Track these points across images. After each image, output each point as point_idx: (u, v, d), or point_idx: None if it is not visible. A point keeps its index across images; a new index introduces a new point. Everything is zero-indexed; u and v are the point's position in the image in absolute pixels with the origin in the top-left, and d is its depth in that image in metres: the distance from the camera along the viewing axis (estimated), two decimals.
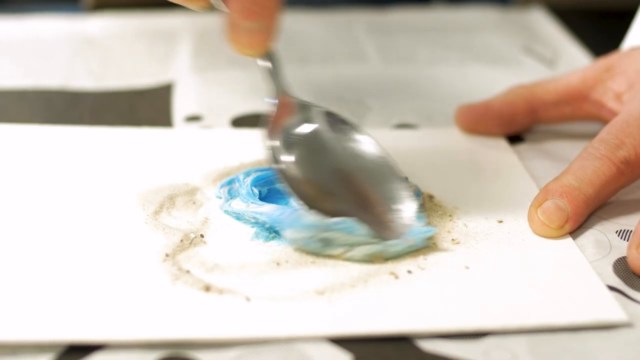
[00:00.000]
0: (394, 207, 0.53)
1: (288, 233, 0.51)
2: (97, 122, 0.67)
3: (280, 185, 0.54)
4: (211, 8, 0.53)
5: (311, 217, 0.51)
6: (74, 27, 0.86)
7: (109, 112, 0.70)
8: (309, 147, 0.54)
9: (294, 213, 0.52)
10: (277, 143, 0.53)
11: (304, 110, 0.55)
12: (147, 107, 0.71)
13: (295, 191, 0.52)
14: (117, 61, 0.80)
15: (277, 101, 0.54)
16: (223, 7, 0.51)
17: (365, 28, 0.89)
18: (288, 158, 0.53)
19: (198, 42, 0.84)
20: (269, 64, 0.54)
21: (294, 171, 0.53)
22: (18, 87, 0.73)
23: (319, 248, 0.51)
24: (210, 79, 0.76)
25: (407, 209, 0.53)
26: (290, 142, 0.54)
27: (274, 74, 0.54)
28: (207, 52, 0.82)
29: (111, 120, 0.68)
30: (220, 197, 0.57)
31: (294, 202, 0.53)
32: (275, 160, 0.53)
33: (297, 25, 0.89)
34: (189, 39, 0.85)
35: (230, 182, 0.58)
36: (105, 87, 0.74)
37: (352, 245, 0.51)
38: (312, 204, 0.51)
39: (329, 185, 0.53)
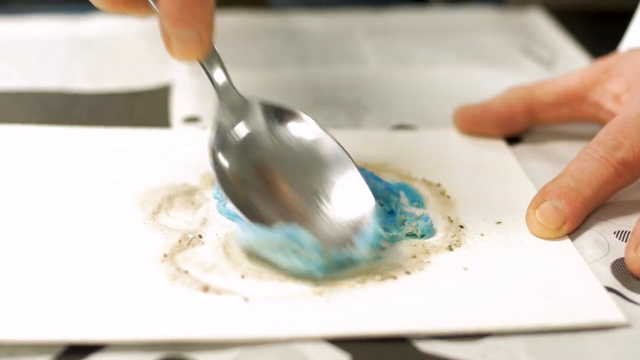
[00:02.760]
0: (344, 211, 0.52)
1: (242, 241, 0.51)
2: (95, 123, 0.67)
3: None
4: (153, 14, 0.51)
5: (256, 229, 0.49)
6: (72, 28, 0.86)
7: (107, 113, 0.70)
8: (243, 149, 0.54)
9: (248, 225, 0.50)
10: (215, 146, 0.53)
11: (243, 110, 0.54)
12: (146, 108, 0.71)
13: (232, 198, 0.51)
14: (116, 62, 0.80)
15: (219, 103, 0.54)
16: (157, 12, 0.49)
17: (363, 29, 0.89)
18: (223, 162, 0.52)
19: None
20: (208, 67, 0.53)
21: (230, 176, 0.52)
22: (16, 89, 0.73)
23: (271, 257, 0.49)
24: (207, 81, 0.75)
25: (361, 212, 0.52)
26: (226, 146, 0.53)
27: (215, 75, 0.53)
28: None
29: (109, 122, 0.68)
30: (218, 198, 0.57)
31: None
32: (214, 163, 0.52)
33: (295, 26, 0.89)
34: None
35: None
36: (103, 88, 0.74)
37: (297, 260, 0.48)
38: (250, 212, 0.50)
39: (270, 191, 0.53)
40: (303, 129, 0.55)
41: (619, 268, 0.52)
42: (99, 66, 0.79)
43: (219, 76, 0.54)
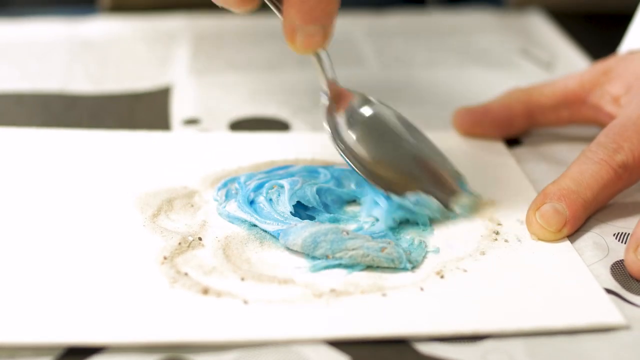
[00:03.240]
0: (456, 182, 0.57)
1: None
2: (95, 126, 0.67)
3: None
4: (255, 11, 0.54)
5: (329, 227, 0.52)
6: (72, 30, 0.86)
7: (107, 116, 0.70)
8: (371, 126, 0.58)
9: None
10: (340, 122, 0.56)
11: (360, 98, 0.58)
12: (146, 110, 0.71)
13: (360, 168, 0.55)
14: (116, 64, 0.80)
15: (329, 92, 0.57)
16: (277, 10, 0.53)
17: (363, 31, 0.89)
18: (351, 136, 0.56)
19: (196, 45, 0.84)
20: (321, 58, 0.56)
21: (359, 150, 0.56)
22: (16, 91, 0.73)
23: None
24: (208, 83, 0.76)
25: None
26: (353, 122, 0.57)
27: (326, 66, 0.56)
28: (206, 55, 0.82)
29: (109, 124, 0.68)
30: (217, 200, 0.57)
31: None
32: (339, 139, 0.56)
33: None
34: (187, 42, 0.85)
35: (226, 184, 0.58)
36: (103, 90, 0.74)
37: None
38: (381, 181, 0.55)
39: (398, 163, 0.57)
40: (386, 109, 0.59)
41: (619, 270, 0.52)
42: (99, 68, 0.79)
43: (329, 68, 0.57)
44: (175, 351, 0.44)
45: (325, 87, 0.57)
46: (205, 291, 0.48)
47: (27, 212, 0.55)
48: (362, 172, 0.55)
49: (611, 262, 0.52)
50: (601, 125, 0.62)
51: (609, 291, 0.50)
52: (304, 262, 0.51)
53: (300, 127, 0.69)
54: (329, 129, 0.56)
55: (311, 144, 0.64)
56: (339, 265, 0.51)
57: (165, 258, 0.51)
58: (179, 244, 0.52)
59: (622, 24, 0.72)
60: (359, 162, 0.56)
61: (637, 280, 0.51)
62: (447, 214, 0.56)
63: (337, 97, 0.57)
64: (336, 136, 0.56)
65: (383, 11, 0.94)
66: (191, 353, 0.44)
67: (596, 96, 0.64)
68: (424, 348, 0.45)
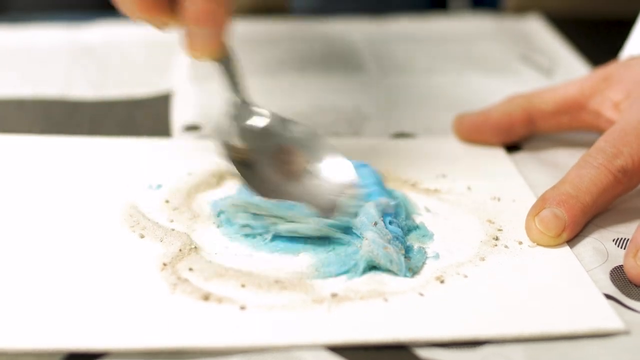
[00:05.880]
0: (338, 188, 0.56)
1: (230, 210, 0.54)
2: (95, 132, 0.68)
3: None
4: (167, 25, 0.56)
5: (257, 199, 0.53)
6: (73, 36, 0.86)
7: (108, 122, 0.70)
8: (258, 137, 0.57)
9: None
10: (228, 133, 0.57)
11: (257, 114, 0.58)
12: (146, 116, 0.71)
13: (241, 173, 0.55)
14: (116, 70, 0.80)
15: (234, 103, 0.57)
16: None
17: (363, 38, 0.89)
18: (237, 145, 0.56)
19: None
20: (224, 69, 0.57)
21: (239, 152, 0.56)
22: (17, 96, 0.73)
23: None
24: (208, 89, 0.76)
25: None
26: (240, 133, 0.57)
27: (230, 78, 0.58)
28: (206, 61, 0.82)
29: (110, 130, 0.68)
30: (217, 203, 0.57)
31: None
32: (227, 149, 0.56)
33: (295, 34, 0.90)
34: None
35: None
36: (104, 96, 0.74)
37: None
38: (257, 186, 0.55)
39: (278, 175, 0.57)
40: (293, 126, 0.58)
41: (618, 275, 0.52)
42: (99, 74, 0.79)
43: (232, 77, 0.58)
44: (176, 357, 0.45)
45: (229, 96, 0.58)
46: (206, 297, 0.48)
47: (28, 218, 0.55)
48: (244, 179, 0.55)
49: (610, 268, 0.52)
50: (601, 131, 0.62)
51: (608, 296, 0.50)
52: (306, 266, 0.51)
53: None
54: (222, 139, 0.56)
55: None
56: (338, 226, 0.53)
57: (165, 264, 0.51)
58: (180, 250, 0.52)
59: (622, 30, 0.72)
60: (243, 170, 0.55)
61: (636, 286, 0.51)
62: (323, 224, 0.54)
63: (240, 108, 0.58)
64: (229, 146, 0.56)
65: (383, 17, 0.94)
66: (192, 359, 0.44)
67: (596, 102, 0.64)
68: (424, 353, 0.45)
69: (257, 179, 0.55)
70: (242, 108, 0.58)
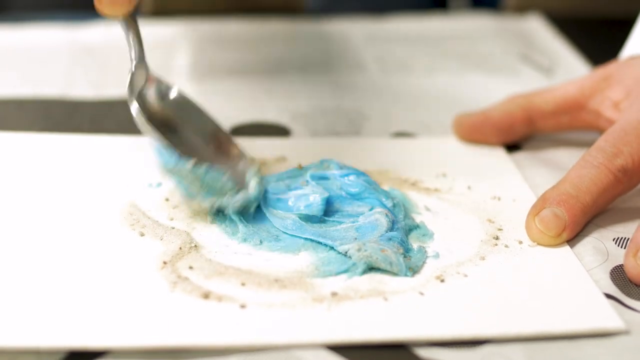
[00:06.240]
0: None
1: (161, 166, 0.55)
2: (96, 131, 0.67)
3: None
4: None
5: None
6: (73, 36, 0.86)
7: (108, 122, 0.70)
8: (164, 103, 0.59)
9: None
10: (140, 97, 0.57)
11: (164, 82, 0.60)
12: None
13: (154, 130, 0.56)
14: (117, 70, 0.80)
15: (136, 63, 0.58)
16: None
17: (363, 37, 0.89)
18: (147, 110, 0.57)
19: (196, 51, 0.84)
20: (130, 29, 0.58)
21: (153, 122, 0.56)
22: (17, 96, 0.73)
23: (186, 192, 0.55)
24: (209, 89, 0.76)
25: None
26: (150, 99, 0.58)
27: (134, 39, 0.58)
28: (206, 61, 0.82)
29: (110, 129, 0.68)
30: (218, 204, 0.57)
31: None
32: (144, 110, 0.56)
33: (295, 33, 0.90)
34: (187, 48, 0.85)
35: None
36: (104, 95, 0.74)
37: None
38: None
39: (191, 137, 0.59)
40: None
41: (618, 275, 0.52)
42: (99, 74, 0.79)
43: (135, 42, 0.58)
44: (176, 355, 0.45)
45: (132, 58, 0.58)
46: (206, 295, 0.48)
47: (28, 217, 0.55)
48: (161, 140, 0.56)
49: (611, 267, 0.52)
50: (601, 130, 0.62)
51: (608, 296, 0.50)
52: (306, 265, 0.51)
53: (301, 132, 0.69)
54: (134, 99, 0.57)
55: (312, 148, 0.65)
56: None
57: (165, 263, 0.51)
58: (180, 248, 0.52)
59: (622, 29, 0.72)
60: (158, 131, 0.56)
61: (636, 285, 0.51)
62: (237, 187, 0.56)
63: (142, 72, 0.58)
64: (142, 106, 0.57)
65: (383, 17, 0.94)
66: (192, 357, 0.45)
67: (596, 102, 0.64)
68: (424, 353, 0.45)
69: (179, 142, 0.57)
70: (145, 71, 0.58)
